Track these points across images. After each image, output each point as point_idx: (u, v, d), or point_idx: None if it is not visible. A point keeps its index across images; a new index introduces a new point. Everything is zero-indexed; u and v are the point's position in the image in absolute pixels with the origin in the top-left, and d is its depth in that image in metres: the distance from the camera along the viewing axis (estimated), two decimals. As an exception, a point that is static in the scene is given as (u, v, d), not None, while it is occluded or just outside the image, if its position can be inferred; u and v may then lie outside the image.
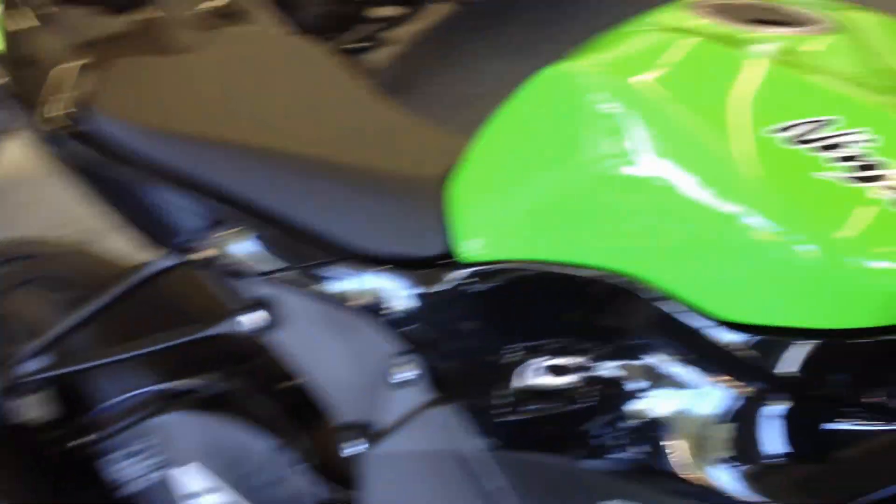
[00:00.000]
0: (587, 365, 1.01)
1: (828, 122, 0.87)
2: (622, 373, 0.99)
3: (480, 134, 1.09)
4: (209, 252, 1.21)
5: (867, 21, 1.06)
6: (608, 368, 1.00)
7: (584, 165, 0.96)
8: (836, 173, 0.85)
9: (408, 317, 1.10)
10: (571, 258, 0.99)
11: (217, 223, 1.20)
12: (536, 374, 1.04)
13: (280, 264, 1.18)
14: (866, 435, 0.90)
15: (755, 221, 0.86)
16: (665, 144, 0.91)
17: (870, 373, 0.89)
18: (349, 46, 3.40)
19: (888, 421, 0.88)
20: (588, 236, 0.97)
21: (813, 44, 0.98)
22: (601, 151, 0.95)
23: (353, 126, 1.29)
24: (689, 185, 0.89)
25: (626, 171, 0.93)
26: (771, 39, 0.98)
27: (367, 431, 1.15)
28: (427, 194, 1.11)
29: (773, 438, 0.92)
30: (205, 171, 1.20)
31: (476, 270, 1.05)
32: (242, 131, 1.23)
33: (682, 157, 0.90)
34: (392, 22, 3.70)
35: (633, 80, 0.95)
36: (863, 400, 0.90)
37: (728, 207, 0.87)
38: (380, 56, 3.72)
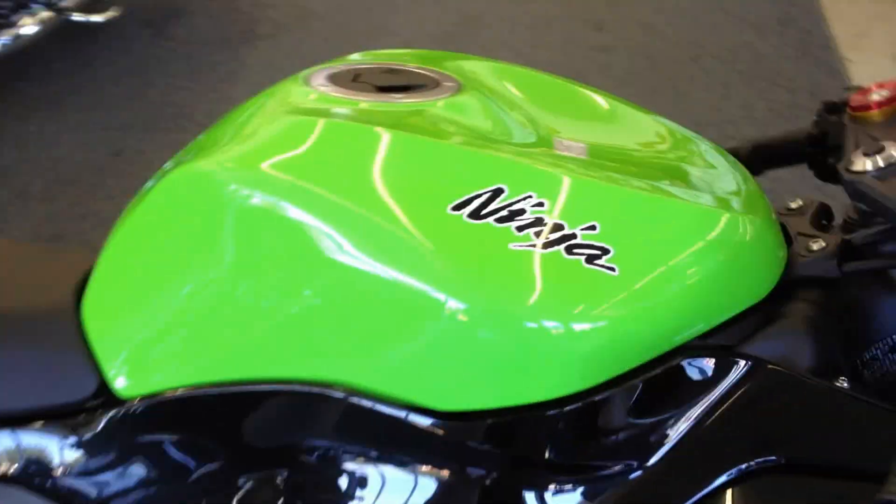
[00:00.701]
0: (283, 482, 0.98)
1: (496, 191, 0.91)
2: (325, 481, 0.97)
3: (106, 249, 1.01)
4: None
5: (484, 69, 1.11)
6: (307, 481, 0.98)
7: (234, 270, 0.93)
8: (527, 242, 0.88)
9: (65, 472, 1.00)
10: (242, 374, 0.95)
11: None
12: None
13: None
14: (580, 496, 0.95)
15: (453, 305, 0.87)
16: (331, 237, 0.90)
17: (581, 434, 0.94)
18: None
19: (596, 480, 0.94)
20: (255, 348, 0.94)
21: (447, 107, 1.00)
22: (253, 253, 0.92)
23: None
24: (366, 275, 0.89)
25: (285, 271, 0.91)
26: (404, 108, 1.00)
27: None
28: (57, 327, 1.02)
29: None
30: None
31: (136, 408, 0.97)
32: None
33: (358, 248, 0.89)
34: None
35: (276, 172, 0.92)
36: (574, 462, 0.95)
37: (417, 292, 0.88)
38: None
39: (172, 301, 0.96)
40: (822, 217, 1.07)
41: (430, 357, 0.90)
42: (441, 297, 0.88)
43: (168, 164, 1.03)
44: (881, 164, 0.94)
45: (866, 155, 0.96)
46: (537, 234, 0.89)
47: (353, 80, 1.04)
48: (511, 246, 0.88)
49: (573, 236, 0.89)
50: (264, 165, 0.93)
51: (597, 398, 0.91)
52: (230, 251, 0.93)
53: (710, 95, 3.50)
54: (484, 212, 0.89)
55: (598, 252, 0.88)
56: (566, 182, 0.93)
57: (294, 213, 0.90)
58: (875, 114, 1.04)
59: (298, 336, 0.93)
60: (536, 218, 0.90)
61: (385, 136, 0.95)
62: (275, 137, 0.97)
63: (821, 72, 3.58)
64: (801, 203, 1.10)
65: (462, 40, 4.01)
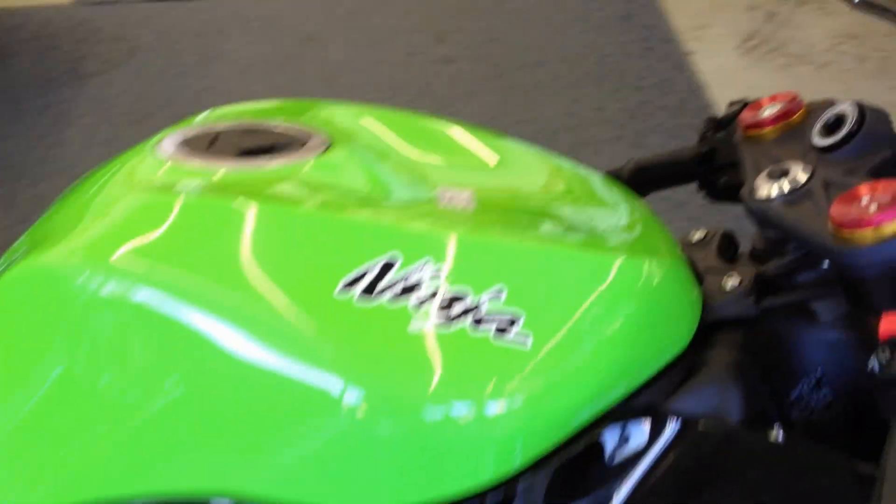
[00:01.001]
0: None
1: (388, 263, 0.82)
2: None
3: None
4: None
5: (351, 116, 1.03)
6: None
7: (92, 373, 0.83)
8: (429, 321, 0.80)
9: None
10: (108, 492, 0.83)
11: None
12: None
13: None
14: None
15: (348, 399, 0.78)
16: (199, 330, 0.80)
17: None
18: None
19: None
20: (122, 460, 0.84)
21: (318, 167, 0.91)
22: (111, 354, 0.82)
23: None
24: (245, 370, 0.80)
25: (151, 371, 0.82)
26: (271, 174, 0.90)
27: None
28: None
29: None
30: None
31: None
32: None
33: (232, 340, 0.80)
34: None
35: (130, 261, 0.83)
36: None
37: (304, 386, 0.79)
38: None
39: (20, 415, 0.85)
40: (727, 247, 1.02)
41: (326, 459, 0.81)
42: (334, 390, 0.78)
43: (12, 253, 0.93)
44: (787, 188, 0.89)
45: (771, 178, 0.91)
46: (438, 310, 0.80)
47: (210, 146, 0.94)
48: (410, 327, 0.79)
49: (478, 307, 0.81)
50: (117, 255, 0.83)
51: (517, 486, 0.82)
52: (85, 352, 0.83)
53: (560, 100, 3.48)
54: (377, 289, 0.80)
55: (507, 322, 0.80)
56: (461, 243, 0.85)
57: (156, 306, 0.81)
58: (769, 131, 0.99)
59: (172, 442, 0.83)
60: (435, 289, 0.81)
61: (252, 211, 0.85)
62: (126, 221, 0.87)
63: (667, 67, 3.61)
64: (703, 234, 1.04)
65: (301, 62, 3.90)
